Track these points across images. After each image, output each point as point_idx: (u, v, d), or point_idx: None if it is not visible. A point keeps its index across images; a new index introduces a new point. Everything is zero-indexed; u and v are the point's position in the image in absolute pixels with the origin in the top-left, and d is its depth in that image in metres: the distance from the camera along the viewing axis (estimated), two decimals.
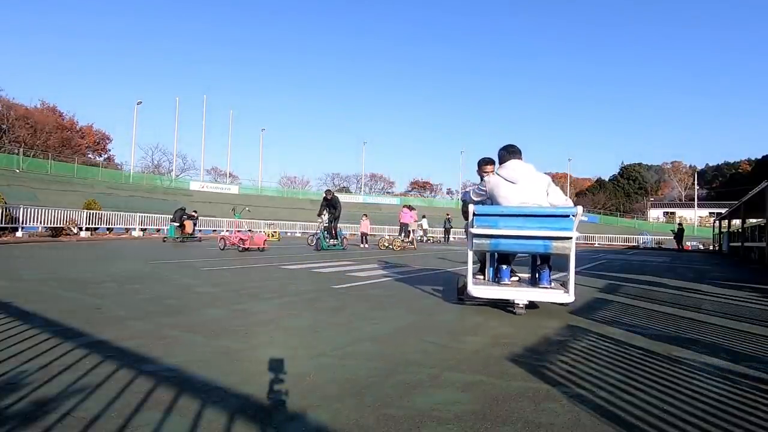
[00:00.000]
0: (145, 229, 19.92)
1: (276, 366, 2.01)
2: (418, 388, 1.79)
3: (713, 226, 30.36)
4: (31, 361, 1.96)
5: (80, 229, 16.27)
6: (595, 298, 4.55)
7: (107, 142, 53.40)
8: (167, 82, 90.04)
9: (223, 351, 2.25)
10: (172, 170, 48.89)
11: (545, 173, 3.75)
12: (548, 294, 3.44)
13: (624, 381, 1.91)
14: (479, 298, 3.59)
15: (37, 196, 23.37)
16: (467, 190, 4.14)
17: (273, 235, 19.55)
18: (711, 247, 28.72)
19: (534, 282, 3.74)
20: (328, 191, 12.60)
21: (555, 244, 3.30)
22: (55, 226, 15.34)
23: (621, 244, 31.51)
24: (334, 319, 3.11)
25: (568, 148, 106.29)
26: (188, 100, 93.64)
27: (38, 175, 30.08)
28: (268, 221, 27.04)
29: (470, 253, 3.62)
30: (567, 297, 3.36)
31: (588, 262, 10.83)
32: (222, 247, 11.35)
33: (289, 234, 26.98)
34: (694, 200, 56.40)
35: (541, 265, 3.67)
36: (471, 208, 3.48)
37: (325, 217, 12.02)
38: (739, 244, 16.37)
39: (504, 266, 3.67)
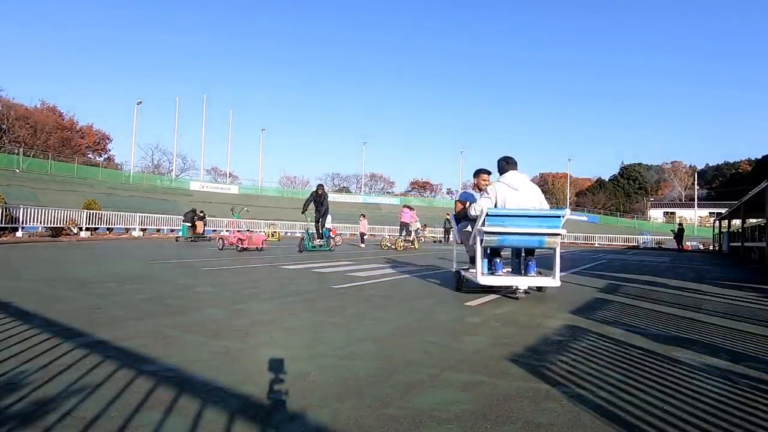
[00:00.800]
0: (145, 229, 19.96)
1: (276, 366, 2.01)
2: (418, 388, 1.79)
3: (713, 226, 30.34)
4: (31, 361, 1.97)
5: (80, 229, 16.28)
6: (595, 298, 4.55)
7: (107, 142, 53.44)
8: (167, 81, 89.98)
9: (222, 351, 2.25)
10: (172, 170, 48.92)
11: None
12: (541, 280, 4.18)
13: (624, 381, 1.91)
14: (486, 285, 4.19)
15: (37, 196, 23.38)
16: (467, 191, 4.58)
17: (273, 235, 19.56)
18: (711, 247, 28.73)
19: (520, 272, 4.39)
20: (320, 186, 11.69)
21: (548, 239, 4.02)
22: (55, 226, 15.35)
23: (621, 244, 31.51)
24: (334, 319, 3.11)
25: (568, 148, 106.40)
26: (188, 99, 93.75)
27: (38, 175, 30.08)
28: (269, 221, 27.05)
29: (479, 248, 4.09)
30: (555, 282, 4.10)
31: (588, 262, 10.83)
32: (220, 247, 11.36)
33: (289, 234, 26.97)
34: (694, 200, 56.38)
35: (527, 257, 4.33)
36: (479, 209, 4.02)
37: (313, 214, 11.40)
38: (739, 244, 16.36)
39: (497, 259, 4.28)
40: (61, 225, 15.62)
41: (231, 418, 1.47)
